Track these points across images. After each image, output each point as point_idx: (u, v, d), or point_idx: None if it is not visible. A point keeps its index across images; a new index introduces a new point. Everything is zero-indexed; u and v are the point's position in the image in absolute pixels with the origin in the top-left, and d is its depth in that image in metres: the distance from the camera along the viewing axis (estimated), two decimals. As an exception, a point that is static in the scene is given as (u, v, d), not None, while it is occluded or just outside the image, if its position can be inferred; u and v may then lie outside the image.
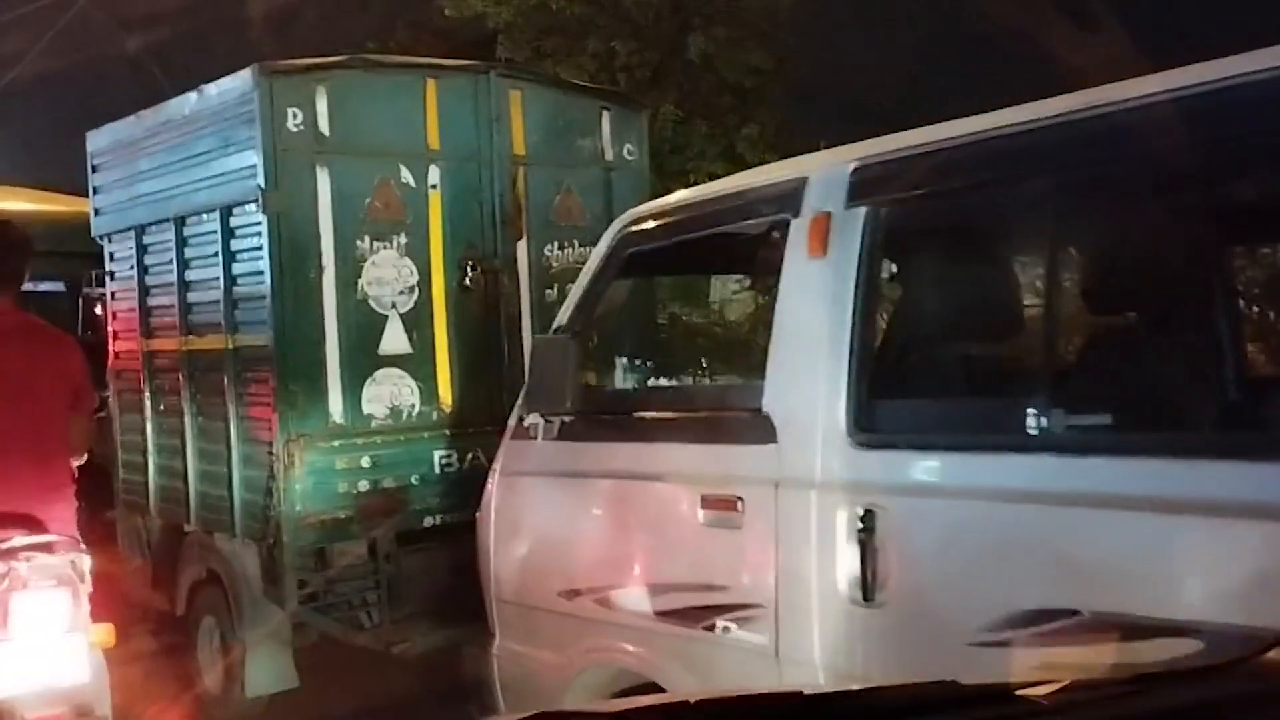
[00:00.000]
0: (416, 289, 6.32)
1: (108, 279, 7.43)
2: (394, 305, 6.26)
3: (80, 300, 8.06)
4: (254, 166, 5.96)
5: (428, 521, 6.35)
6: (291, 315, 6.01)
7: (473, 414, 6.47)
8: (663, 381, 6.28)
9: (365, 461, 6.16)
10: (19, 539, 4.48)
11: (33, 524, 4.71)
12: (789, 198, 4.14)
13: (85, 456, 5.27)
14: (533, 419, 4.88)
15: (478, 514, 5.29)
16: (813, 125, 16.65)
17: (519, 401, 5.05)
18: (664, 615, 4.35)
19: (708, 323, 6.88)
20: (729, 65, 16.84)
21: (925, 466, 3.62)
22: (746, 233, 4.45)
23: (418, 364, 6.34)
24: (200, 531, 6.82)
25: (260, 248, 6.04)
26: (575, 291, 4.92)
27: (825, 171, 4.06)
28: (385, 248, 6.23)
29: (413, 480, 6.29)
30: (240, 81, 6.04)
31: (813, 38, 17.23)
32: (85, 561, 4.53)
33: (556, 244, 6.78)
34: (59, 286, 8.45)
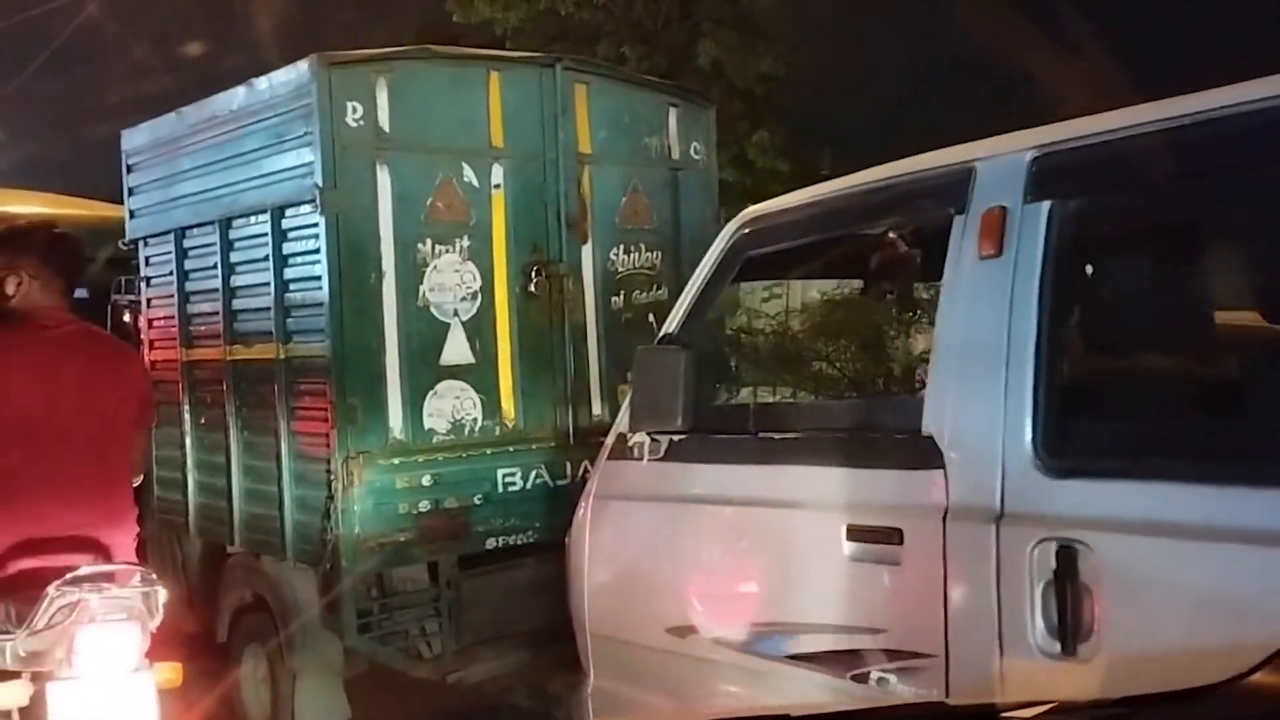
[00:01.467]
0: (479, 295, 5.72)
1: (142, 285, 6.79)
2: (456, 313, 5.65)
3: (109, 308, 7.40)
4: (311, 164, 5.35)
5: (490, 544, 5.75)
6: (350, 323, 5.40)
7: (536, 429, 5.89)
8: (789, 396, 5.65)
9: (426, 480, 5.56)
10: (86, 568, 3.87)
11: (98, 549, 4.13)
12: (950, 191, 3.56)
13: (142, 477, 4.67)
14: (638, 438, 4.29)
15: (567, 540, 4.70)
16: (821, 130, 16.20)
17: (619, 419, 4.47)
18: (799, 659, 3.76)
19: (840, 331, 6.31)
20: (739, 71, 16.34)
21: (1144, 499, 3.02)
22: (891, 231, 3.87)
23: (480, 375, 5.73)
24: (245, 554, 6.20)
25: (317, 251, 5.42)
26: (685, 298, 4.33)
27: (996, 161, 3.49)
28: (447, 251, 5.63)
29: (475, 500, 5.69)
30: (296, 73, 5.42)
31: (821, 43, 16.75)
32: (159, 594, 3.92)
33: (623, 248, 6.18)
34: (83, 294, 7.79)
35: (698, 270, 4.32)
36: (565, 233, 5.95)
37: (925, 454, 3.46)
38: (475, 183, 5.70)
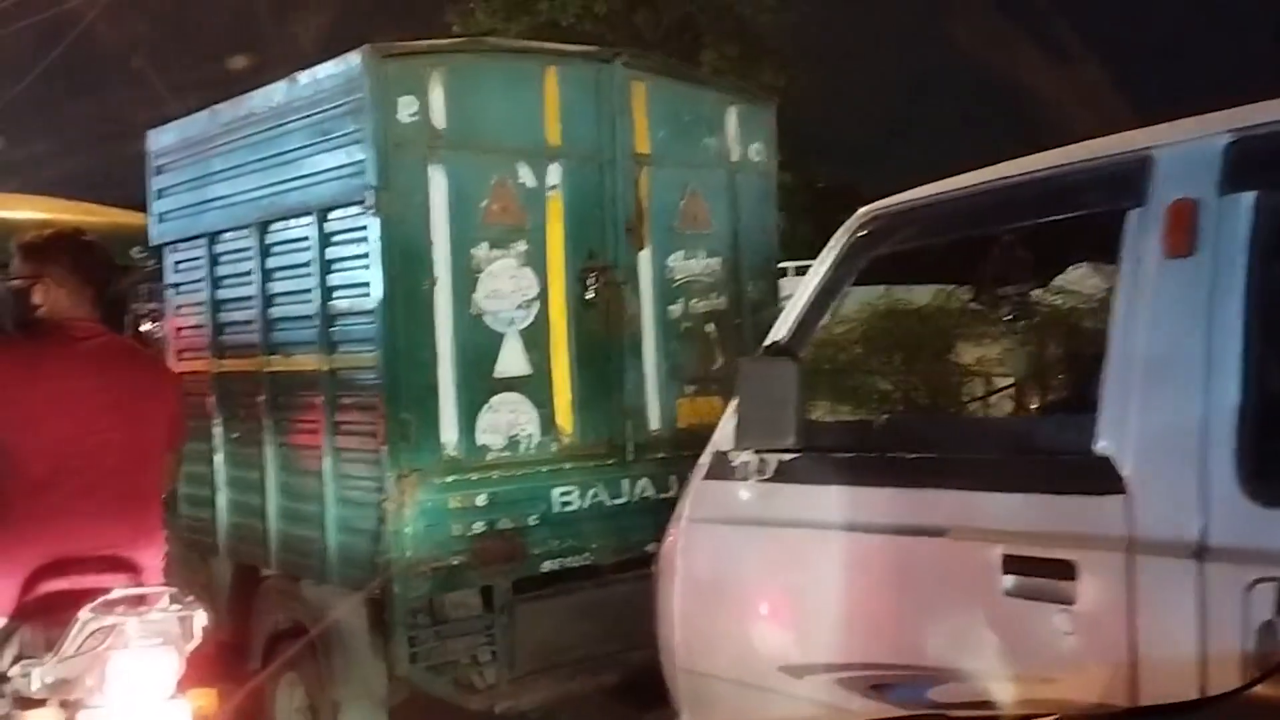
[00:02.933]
0: (535, 303, 5.20)
1: (170, 292, 6.22)
2: (511, 321, 5.14)
3: (125, 317, 6.81)
4: (362, 162, 4.83)
5: (546, 567, 5.24)
6: (402, 332, 4.88)
7: (593, 444, 5.39)
8: (915, 410, 5.13)
9: (481, 500, 5.04)
10: (119, 590, 3.45)
11: (128, 569, 3.71)
12: (1122, 183, 3.07)
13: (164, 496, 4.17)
14: (743, 456, 3.77)
15: (654, 567, 4.18)
16: (821, 141, 15.83)
17: (715, 435, 3.95)
18: (946, 709, 3.25)
19: (979, 340, 5.80)
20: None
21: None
22: (1046, 228, 3.37)
23: (535, 388, 5.22)
24: (282, 577, 5.64)
25: (366, 255, 4.90)
26: (795, 304, 3.80)
27: (1181, 148, 3.00)
28: (503, 256, 5.12)
29: (530, 521, 5.17)
30: (346, 66, 4.90)
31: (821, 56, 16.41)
32: (198, 618, 3.48)
33: (681, 253, 5.67)
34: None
35: (809, 273, 3.80)
36: (622, 237, 5.45)
37: (1101, 476, 2.96)
38: (531, 184, 5.20)
